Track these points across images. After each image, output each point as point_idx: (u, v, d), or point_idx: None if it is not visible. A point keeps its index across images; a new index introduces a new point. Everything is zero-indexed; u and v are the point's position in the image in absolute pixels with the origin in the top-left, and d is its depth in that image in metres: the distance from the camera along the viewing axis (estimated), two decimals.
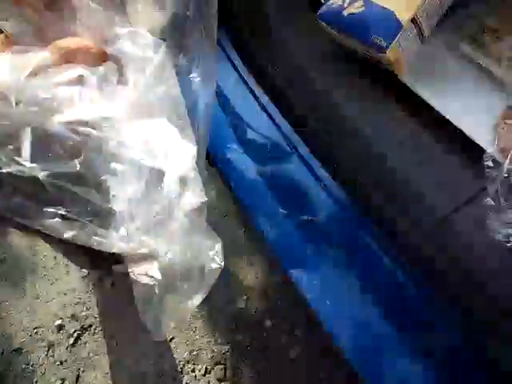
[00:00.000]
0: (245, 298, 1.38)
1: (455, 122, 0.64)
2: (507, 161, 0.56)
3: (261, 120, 0.75)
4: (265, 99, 0.77)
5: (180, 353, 1.34)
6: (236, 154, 0.75)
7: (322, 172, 0.69)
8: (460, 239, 0.55)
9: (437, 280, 0.56)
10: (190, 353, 1.34)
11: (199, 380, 1.29)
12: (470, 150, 0.62)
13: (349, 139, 0.66)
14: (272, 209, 0.69)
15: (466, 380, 0.53)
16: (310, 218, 0.66)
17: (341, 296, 0.60)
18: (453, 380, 0.53)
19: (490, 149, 0.60)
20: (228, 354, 1.31)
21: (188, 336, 1.37)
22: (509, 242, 0.52)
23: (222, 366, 1.30)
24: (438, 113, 0.66)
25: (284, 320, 1.32)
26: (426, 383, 0.55)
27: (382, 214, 0.61)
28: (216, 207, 1.58)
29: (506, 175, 0.56)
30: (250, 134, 0.76)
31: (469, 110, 0.65)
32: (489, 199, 0.55)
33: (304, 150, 0.71)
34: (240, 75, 0.79)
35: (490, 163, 0.59)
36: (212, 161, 0.76)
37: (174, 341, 1.36)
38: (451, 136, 0.64)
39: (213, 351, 1.32)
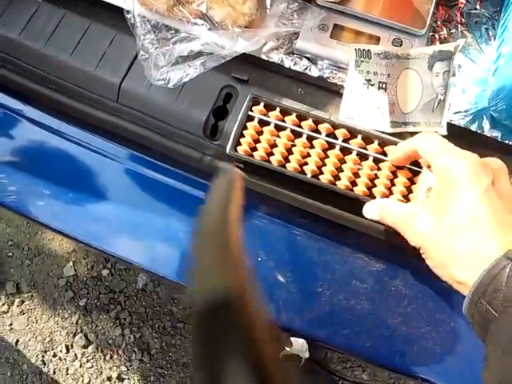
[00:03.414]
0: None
1: None
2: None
3: None
4: None
5: (33, 348, 1.26)
6: None
7: None
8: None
9: None
10: (43, 342, 1.27)
11: (65, 359, 1.25)
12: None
13: None
14: None
15: None
16: None
17: None
18: None
19: (129, 5, 0.59)
20: (80, 320, 1.27)
21: (33, 330, 1.28)
22: (168, 84, 0.54)
23: (80, 334, 1.26)
24: None
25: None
26: None
27: None
28: None
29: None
30: None
31: None
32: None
33: None
34: None
35: (132, 20, 0.58)
36: None
37: (20, 342, 1.27)
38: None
39: (63, 327, 1.27)
